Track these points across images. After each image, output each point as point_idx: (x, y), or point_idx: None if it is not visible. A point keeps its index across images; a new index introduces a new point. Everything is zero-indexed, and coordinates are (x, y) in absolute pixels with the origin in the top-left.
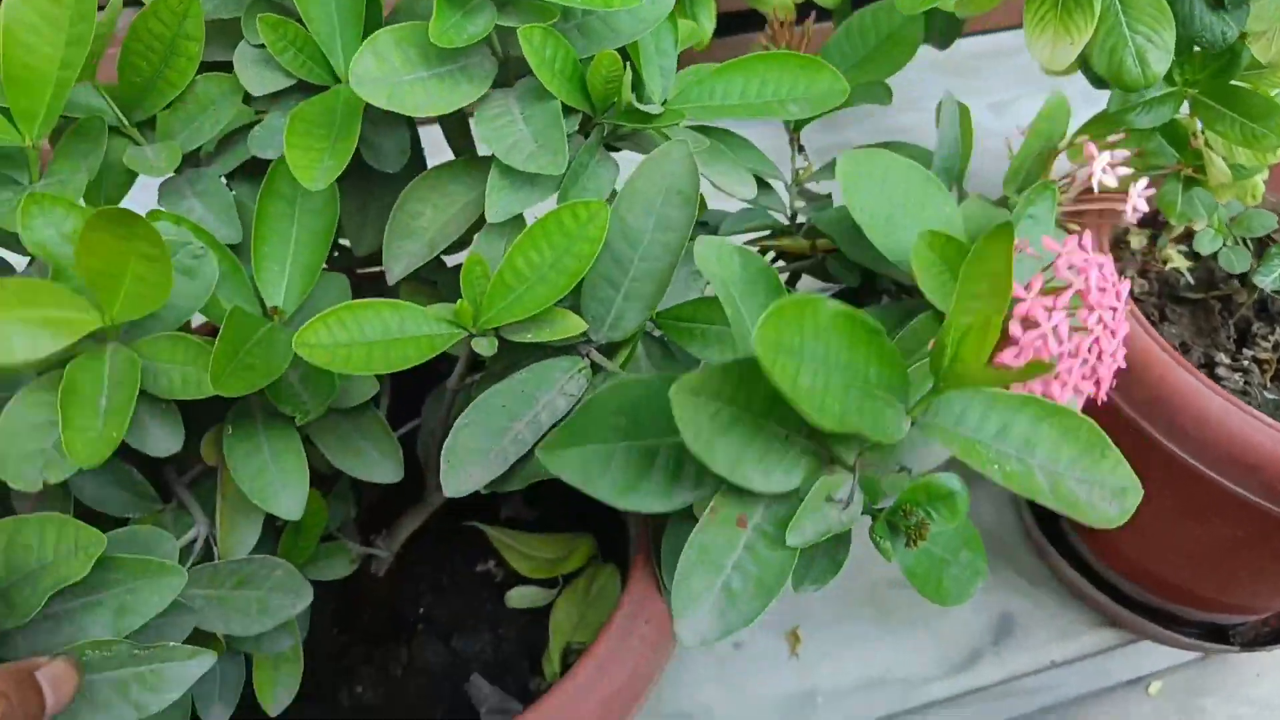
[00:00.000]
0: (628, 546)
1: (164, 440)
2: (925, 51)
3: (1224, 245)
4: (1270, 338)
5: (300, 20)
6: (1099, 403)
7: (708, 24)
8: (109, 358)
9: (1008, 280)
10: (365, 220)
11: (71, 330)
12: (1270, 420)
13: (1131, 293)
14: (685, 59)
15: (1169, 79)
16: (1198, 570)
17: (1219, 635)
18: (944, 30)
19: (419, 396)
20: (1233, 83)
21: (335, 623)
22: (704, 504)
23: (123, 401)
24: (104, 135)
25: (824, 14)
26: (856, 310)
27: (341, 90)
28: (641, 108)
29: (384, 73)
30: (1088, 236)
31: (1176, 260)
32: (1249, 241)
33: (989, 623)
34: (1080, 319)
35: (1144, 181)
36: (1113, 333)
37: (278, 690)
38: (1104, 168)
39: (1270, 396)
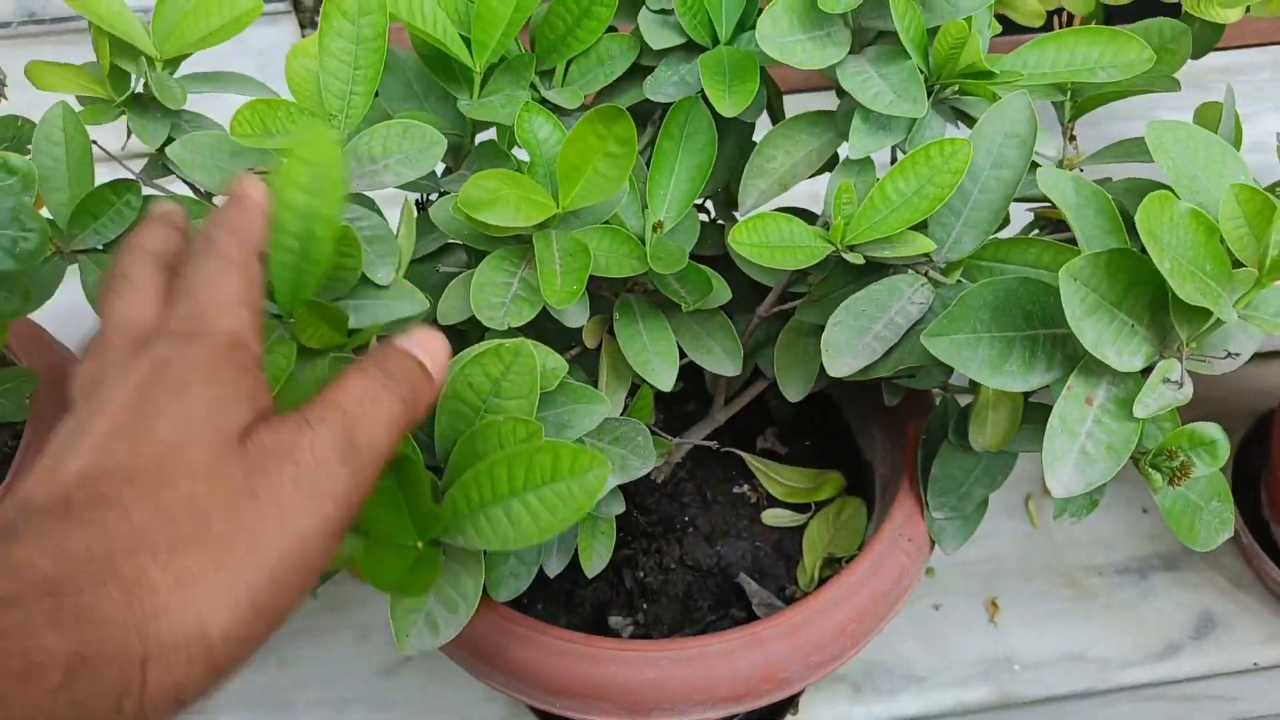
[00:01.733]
0: (872, 487)
1: (578, 316)
2: None
3: None
4: None
5: None
6: None
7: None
8: (554, 238)
9: None
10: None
11: (538, 211)
12: None
13: None
14: None
15: None
16: None
17: None
18: (1199, 40)
19: None
20: None
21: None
22: (1047, 390)
23: (578, 266)
24: (529, 72)
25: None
26: (1201, 210)
27: (722, 49)
28: (987, 67)
29: (776, 33)
30: None
31: None
32: None
33: (1190, 619)
34: None
35: None
36: None
37: (595, 555)
38: None
39: None
